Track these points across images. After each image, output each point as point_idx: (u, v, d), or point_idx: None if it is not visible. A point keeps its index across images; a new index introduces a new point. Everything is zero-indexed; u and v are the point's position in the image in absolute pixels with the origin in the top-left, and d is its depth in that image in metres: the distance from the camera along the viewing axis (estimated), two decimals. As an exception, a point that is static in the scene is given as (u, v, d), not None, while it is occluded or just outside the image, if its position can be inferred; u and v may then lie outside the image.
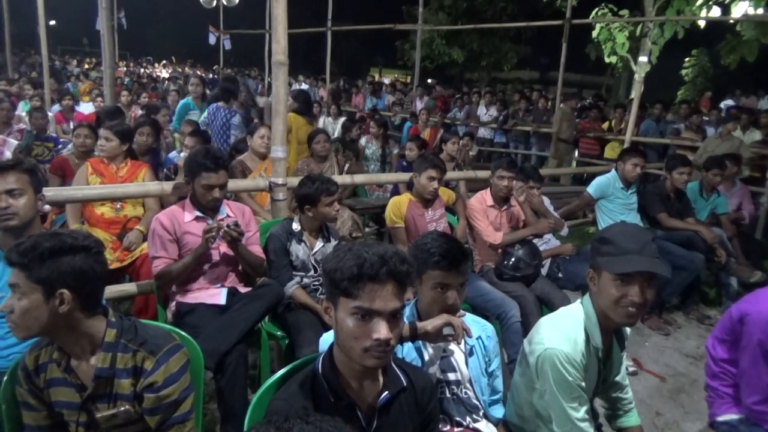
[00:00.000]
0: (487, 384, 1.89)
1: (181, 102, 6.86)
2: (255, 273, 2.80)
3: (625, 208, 4.36)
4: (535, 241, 3.58)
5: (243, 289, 2.71)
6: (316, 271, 2.85)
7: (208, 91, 7.67)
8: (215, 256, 2.66)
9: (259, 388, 1.59)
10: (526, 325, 3.01)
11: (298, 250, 2.82)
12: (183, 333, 1.91)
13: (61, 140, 5.81)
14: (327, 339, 1.69)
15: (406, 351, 1.80)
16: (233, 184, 3.31)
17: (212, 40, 15.31)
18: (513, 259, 3.38)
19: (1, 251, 2.04)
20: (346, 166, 5.34)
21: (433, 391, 1.54)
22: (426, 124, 8.45)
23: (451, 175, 4.39)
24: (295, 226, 2.86)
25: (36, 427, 1.58)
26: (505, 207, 3.62)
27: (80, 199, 3.22)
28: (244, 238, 2.64)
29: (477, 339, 1.89)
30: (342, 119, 9.06)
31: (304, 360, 1.65)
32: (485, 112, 10.89)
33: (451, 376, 1.83)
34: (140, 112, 7.08)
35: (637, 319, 1.68)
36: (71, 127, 6.29)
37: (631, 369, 3.42)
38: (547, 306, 3.27)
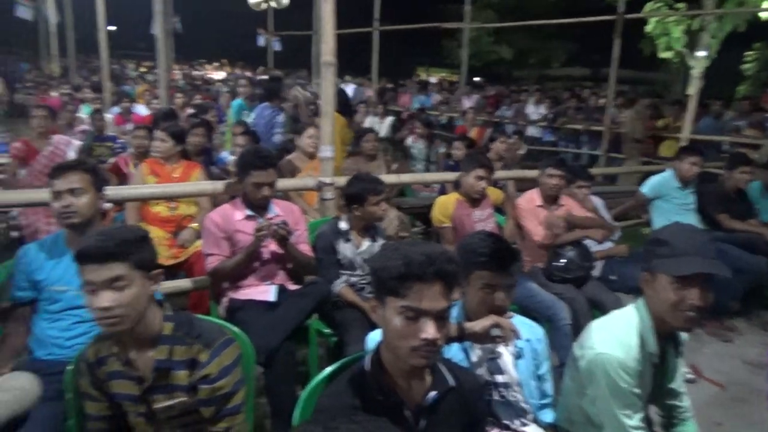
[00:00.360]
0: (536, 387, 1.86)
1: (235, 102, 7.03)
2: (304, 271, 2.84)
3: (682, 209, 4.20)
4: (586, 242, 3.49)
5: (292, 287, 2.76)
6: (363, 269, 2.87)
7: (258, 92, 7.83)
8: (265, 254, 2.71)
9: (308, 385, 1.62)
10: (577, 329, 2.94)
11: (345, 249, 2.85)
12: (235, 328, 1.97)
13: (120, 140, 6.06)
14: (374, 337, 1.70)
15: (454, 352, 1.79)
16: (282, 183, 3.38)
17: (261, 42, 15.60)
18: (563, 261, 3.31)
19: (68, 249, 2.15)
20: (394, 165, 5.35)
21: (481, 392, 1.53)
22: (473, 123, 8.37)
23: (499, 174, 4.33)
24: (343, 225, 2.89)
25: (98, 416, 1.65)
26: (554, 206, 3.55)
27: (138, 197, 3.35)
28: (293, 237, 2.68)
29: (526, 341, 1.86)
30: (389, 119, 9.09)
31: (352, 358, 1.67)
32: (534, 110, 10.71)
33: (500, 379, 1.81)
34: (190, 112, 7.29)
35: (696, 323, 1.62)
36: (129, 128, 6.54)
37: (688, 376, 3.29)
38: (599, 309, 3.18)
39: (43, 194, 2.24)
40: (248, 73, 19.12)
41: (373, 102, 10.84)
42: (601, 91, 11.30)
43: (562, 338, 2.94)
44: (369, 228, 2.94)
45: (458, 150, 5.37)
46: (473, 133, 7.86)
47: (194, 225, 3.49)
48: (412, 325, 1.26)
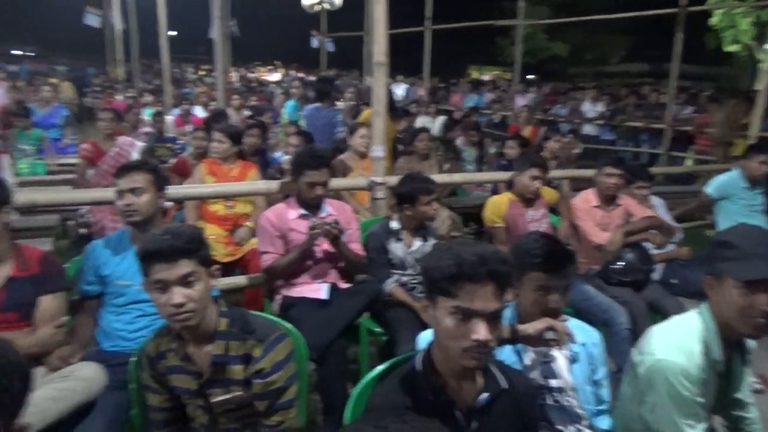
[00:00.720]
0: (592, 393, 1.81)
1: (289, 103, 7.18)
2: (355, 270, 2.87)
3: (749, 210, 3.99)
4: (646, 243, 3.37)
5: (344, 285, 2.80)
6: (414, 269, 2.87)
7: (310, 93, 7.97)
8: (318, 253, 2.75)
9: (359, 383, 1.64)
10: (635, 333, 2.84)
11: (396, 249, 2.86)
12: (288, 325, 2.00)
13: (180, 141, 6.29)
14: (426, 337, 1.70)
15: (506, 354, 1.76)
16: (334, 182, 3.42)
17: (314, 43, 15.86)
18: (621, 263, 3.21)
19: (132, 246, 2.26)
20: (446, 165, 5.33)
21: (534, 395, 1.50)
22: (527, 121, 8.22)
23: (554, 173, 4.24)
24: (394, 224, 2.90)
25: (159, 408, 1.72)
26: (611, 207, 3.44)
27: (196, 196, 3.47)
28: (345, 236, 2.71)
29: (582, 345, 1.81)
30: (440, 118, 9.05)
31: (403, 357, 1.67)
32: (591, 108, 10.42)
33: (554, 383, 1.77)
34: (246, 114, 7.50)
35: (765, 330, 1.53)
36: (189, 129, 6.78)
37: (756, 386, 3.13)
38: (659, 314, 3.06)
39: (109, 193, 2.35)
40: (302, 75, 19.44)
41: (424, 101, 10.81)
42: (661, 88, 10.86)
43: (620, 343, 2.84)
44: (420, 227, 2.94)
45: (511, 149, 5.28)
46: (527, 131, 7.72)
47: (249, 224, 3.58)
48: (464, 326, 1.25)
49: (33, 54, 26.69)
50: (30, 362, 1.93)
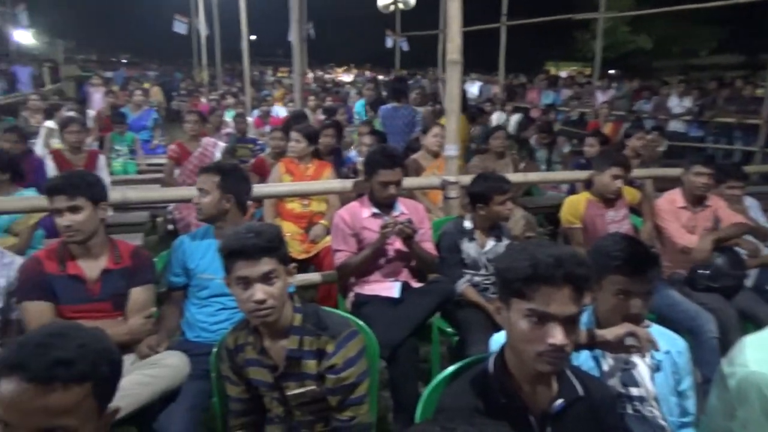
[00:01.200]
0: (676, 404, 1.72)
1: (358, 103, 7.28)
2: (427, 269, 2.87)
3: None
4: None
5: (416, 284, 2.80)
6: (487, 269, 2.83)
7: (385, 93, 8.03)
8: (390, 252, 2.77)
9: (430, 382, 1.63)
10: (725, 343, 2.66)
11: (469, 248, 2.83)
12: (360, 322, 2.03)
13: (259, 142, 6.52)
14: (498, 339, 1.67)
15: (583, 359, 1.70)
16: (407, 181, 3.43)
17: (389, 43, 15.97)
18: (710, 268, 3.01)
19: (216, 241, 2.37)
20: (521, 164, 5.21)
21: (612, 403, 1.44)
22: (607, 118, 7.90)
23: (636, 172, 4.05)
24: (467, 224, 2.87)
25: (237, 398, 1.80)
26: (699, 208, 3.24)
27: (273, 195, 3.58)
28: (417, 235, 2.72)
29: (665, 353, 1.72)
30: (516, 116, 8.86)
31: (475, 358, 1.65)
32: (677, 103, 9.85)
33: (634, 392, 1.69)
34: (321, 117, 7.66)
35: None
36: (268, 130, 7.01)
37: None
38: (752, 322, 2.86)
39: (193, 191, 2.48)
40: (375, 75, 19.63)
41: (499, 99, 10.62)
42: (757, 80, 10.09)
43: (708, 353, 2.67)
44: (494, 227, 2.89)
45: (591, 147, 5.08)
46: (607, 129, 7.42)
47: (324, 221, 3.66)
48: (539, 330, 1.22)
49: (127, 61, 28.53)
50: (121, 350, 2.08)
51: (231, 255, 1.60)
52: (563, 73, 19.83)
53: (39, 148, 5.38)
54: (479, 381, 1.38)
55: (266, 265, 1.59)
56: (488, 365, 1.39)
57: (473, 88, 14.55)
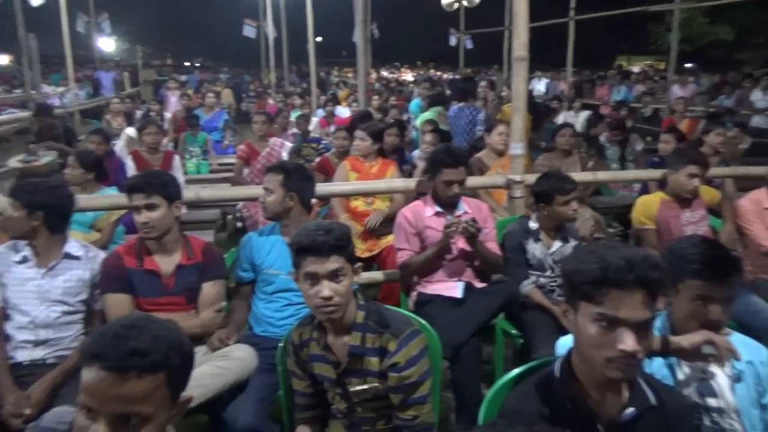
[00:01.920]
0: (759, 417, 1.61)
1: (414, 102, 7.27)
2: (491, 269, 2.83)
3: None
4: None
5: (479, 285, 2.77)
6: (553, 271, 2.76)
7: (449, 92, 7.98)
8: (453, 251, 2.75)
9: (493, 384, 1.61)
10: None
11: (534, 249, 2.77)
12: (422, 321, 2.03)
13: (323, 141, 6.64)
14: (565, 342, 1.63)
15: (656, 367, 1.63)
16: (471, 180, 3.39)
17: (453, 41, 15.86)
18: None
19: (282, 238, 2.44)
20: (590, 163, 5.05)
21: (688, 414, 1.37)
22: (683, 114, 7.51)
23: (715, 171, 3.83)
24: (533, 224, 2.81)
25: (302, 393, 1.84)
26: (788, 210, 3.03)
27: (337, 194, 3.63)
28: (481, 235, 2.68)
29: (747, 363, 1.61)
30: (584, 113, 8.58)
31: (540, 362, 1.61)
32: (762, 98, 9.24)
33: (712, 402, 1.60)
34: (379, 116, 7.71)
35: None
36: (332, 129, 7.12)
37: None
38: None
39: (260, 190, 2.55)
40: (445, 74, 19.54)
41: (567, 96, 10.32)
42: None
43: (795, 364, 2.49)
44: (560, 228, 2.81)
45: (666, 144, 4.84)
46: (683, 125, 7.05)
47: (385, 209, 3.66)
48: (608, 335, 1.18)
49: (200, 65, 29.78)
50: (193, 342, 2.18)
51: (301, 251, 1.63)
52: (635, 68, 19.03)
53: (120, 149, 5.70)
54: (545, 385, 1.35)
55: (335, 262, 1.61)
56: (554, 369, 1.36)
57: (539, 86, 14.22)
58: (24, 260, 2.20)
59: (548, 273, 2.77)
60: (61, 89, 11.85)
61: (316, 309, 1.65)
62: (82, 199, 2.97)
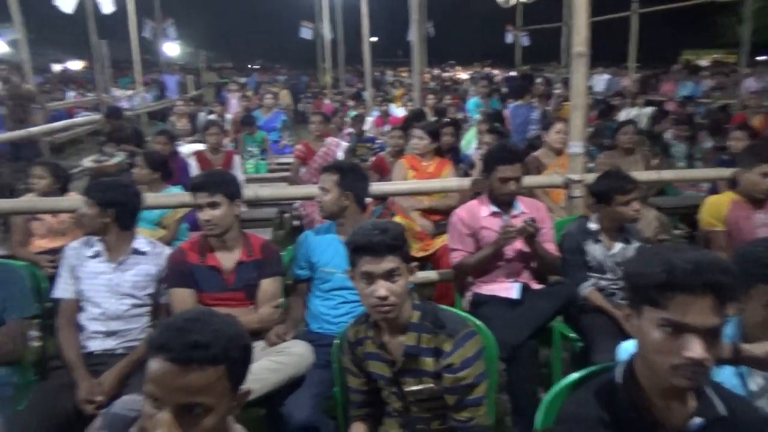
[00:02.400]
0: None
1: (471, 101, 7.20)
2: (548, 270, 2.77)
3: None
4: None
5: (536, 286, 2.72)
6: (614, 273, 2.67)
7: (504, 89, 7.86)
8: (510, 252, 2.71)
9: (551, 388, 1.58)
10: None
11: (594, 251, 2.69)
12: (478, 322, 2.01)
13: (378, 141, 6.68)
14: (627, 348, 1.58)
15: (725, 376, 1.55)
16: (528, 180, 3.33)
17: (509, 38, 15.61)
18: None
19: (338, 237, 2.48)
20: (654, 161, 4.86)
21: (762, 428, 1.29)
22: (757, 110, 7.11)
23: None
24: (592, 225, 2.73)
25: (357, 390, 1.86)
26: None
27: (391, 193, 3.64)
28: (539, 235, 2.63)
29: (829, 375, 1.52)
30: (648, 109, 8.27)
31: (601, 367, 1.57)
32: None
33: (788, 415, 1.51)
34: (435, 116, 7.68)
35: None
36: (387, 129, 7.15)
37: None
38: None
39: (316, 189, 2.59)
40: (497, 72, 19.29)
41: (630, 92, 9.97)
42: None
43: None
44: (622, 229, 2.72)
45: (738, 141, 4.60)
46: (756, 121, 6.68)
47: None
48: (674, 341, 1.13)
49: (259, 67, 30.55)
50: (251, 336, 2.24)
51: (357, 250, 1.65)
52: (703, 62, 18.15)
53: (184, 149, 5.92)
54: (605, 391, 1.31)
55: (390, 262, 1.62)
56: (615, 375, 1.31)
57: (600, 82, 13.79)
58: (96, 255, 2.32)
59: (609, 275, 2.68)
60: (129, 92, 12.43)
61: (371, 308, 1.67)
62: (149, 197, 3.10)
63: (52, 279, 2.44)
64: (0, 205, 2.88)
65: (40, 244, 3.38)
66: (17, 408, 2.08)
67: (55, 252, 3.00)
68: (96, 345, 2.26)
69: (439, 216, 3.78)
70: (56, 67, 23.76)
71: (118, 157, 5.08)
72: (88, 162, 5.27)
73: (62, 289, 2.30)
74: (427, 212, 3.82)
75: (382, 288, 1.61)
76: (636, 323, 1.23)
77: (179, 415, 1.05)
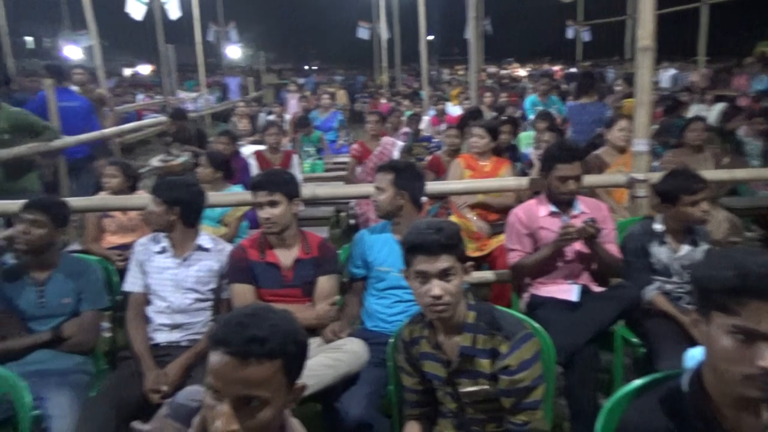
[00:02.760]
0: None
1: (528, 99, 7.05)
2: (610, 273, 2.68)
3: None
4: None
5: (596, 288, 2.63)
6: (680, 277, 2.56)
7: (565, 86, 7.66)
8: (569, 253, 2.64)
9: (612, 394, 1.53)
10: None
11: (659, 253, 2.58)
12: (535, 324, 1.97)
13: (434, 140, 6.65)
14: (694, 355, 1.50)
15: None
16: (589, 179, 3.24)
17: (570, 34, 15.20)
18: None
19: (393, 236, 2.49)
20: (725, 159, 4.62)
21: None
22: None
23: None
24: (657, 226, 2.62)
25: (412, 389, 1.86)
26: None
27: (448, 192, 3.62)
28: (600, 236, 2.55)
29: None
30: (719, 105, 7.86)
31: (666, 374, 1.50)
32: None
33: None
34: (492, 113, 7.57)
35: None
36: (443, 128, 7.11)
37: None
38: None
39: (372, 188, 2.61)
40: (557, 68, 18.84)
41: (698, 87, 9.50)
42: None
43: None
44: (689, 230, 2.60)
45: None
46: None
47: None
48: (746, 350, 1.07)
49: (317, 67, 31.07)
50: (308, 333, 2.28)
51: (411, 249, 1.65)
52: (782, 54, 17.04)
53: (245, 150, 6.10)
54: (671, 400, 1.26)
55: (445, 261, 1.61)
56: (682, 383, 1.26)
57: (666, 77, 13.22)
58: (163, 251, 2.43)
59: (675, 279, 2.57)
60: (194, 94, 12.91)
61: (426, 307, 1.66)
62: (212, 196, 3.21)
63: (122, 273, 2.57)
64: (75, 203, 3.05)
65: (111, 240, 3.56)
66: (90, 395, 2.20)
67: (125, 248, 3.16)
68: (162, 337, 2.37)
69: (496, 216, 3.73)
70: (127, 71, 24.98)
71: (183, 157, 5.29)
72: (155, 162, 5.52)
73: (131, 283, 2.42)
74: (482, 210, 3.78)
75: (436, 287, 1.61)
76: (704, 329, 1.17)
77: (237, 407, 1.08)
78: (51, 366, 2.23)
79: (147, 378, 2.17)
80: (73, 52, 15.73)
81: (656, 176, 2.95)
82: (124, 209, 3.52)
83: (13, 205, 2.72)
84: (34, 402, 1.92)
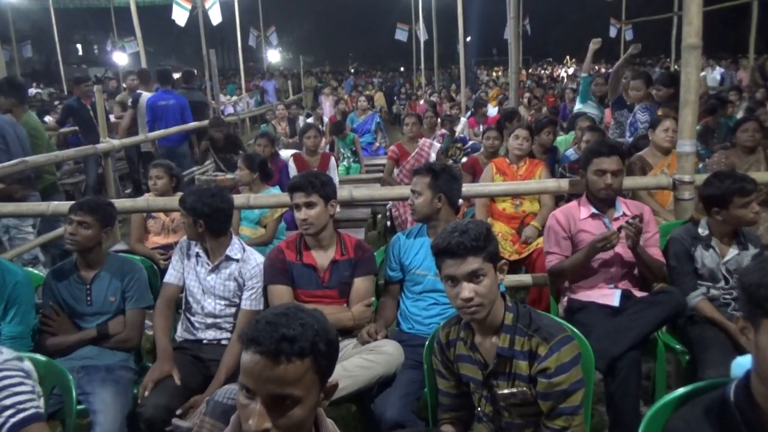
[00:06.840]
0: None
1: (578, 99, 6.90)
2: (652, 277, 2.60)
3: None
4: None
5: (638, 294, 2.56)
6: (727, 282, 2.46)
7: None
8: (610, 257, 2.57)
9: (654, 402, 1.49)
10: None
11: (704, 257, 2.49)
12: (573, 328, 1.93)
13: (471, 141, 6.60)
14: (742, 363, 1.45)
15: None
16: (632, 181, 3.17)
17: (613, 32, 14.86)
18: None
19: (429, 239, 2.47)
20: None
21: None
22: None
23: None
24: (702, 229, 2.53)
25: (447, 393, 1.85)
26: None
27: (486, 194, 3.58)
28: (643, 239, 2.48)
29: None
30: (770, 104, 7.54)
31: (711, 383, 1.46)
32: None
33: None
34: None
35: None
36: (481, 129, 7.05)
37: None
38: None
39: (409, 190, 2.60)
40: (597, 67, 18.45)
41: (749, 86, 9.15)
42: None
43: None
44: (736, 233, 2.50)
45: None
46: None
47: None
48: (798, 360, 1.03)
49: (354, 70, 31.28)
50: (344, 334, 2.29)
51: (439, 253, 1.66)
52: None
53: (283, 153, 6.18)
54: (717, 410, 1.21)
55: (472, 263, 1.60)
56: (728, 393, 1.21)
57: (713, 76, 12.79)
58: (197, 255, 2.48)
59: (721, 284, 2.48)
60: (234, 98, 13.17)
61: (459, 309, 1.66)
62: (251, 197, 3.27)
63: (165, 273, 2.63)
64: (122, 204, 3.15)
65: (155, 240, 3.67)
66: (134, 391, 2.26)
67: (169, 248, 3.24)
68: (202, 334, 2.44)
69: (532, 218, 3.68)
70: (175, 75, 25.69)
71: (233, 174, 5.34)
72: (204, 177, 5.58)
73: (170, 274, 2.50)
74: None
75: (465, 290, 1.60)
76: (753, 337, 1.13)
77: (270, 406, 1.10)
78: (96, 362, 2.30)
79: (153, 367, 2.23)
80: (120, 58, 16.29)
81: (701, 178, 2.85)
82: (166, 210, 3.61)
83: (63, 206, 2.83)
84: (79, 396, 1.99)
